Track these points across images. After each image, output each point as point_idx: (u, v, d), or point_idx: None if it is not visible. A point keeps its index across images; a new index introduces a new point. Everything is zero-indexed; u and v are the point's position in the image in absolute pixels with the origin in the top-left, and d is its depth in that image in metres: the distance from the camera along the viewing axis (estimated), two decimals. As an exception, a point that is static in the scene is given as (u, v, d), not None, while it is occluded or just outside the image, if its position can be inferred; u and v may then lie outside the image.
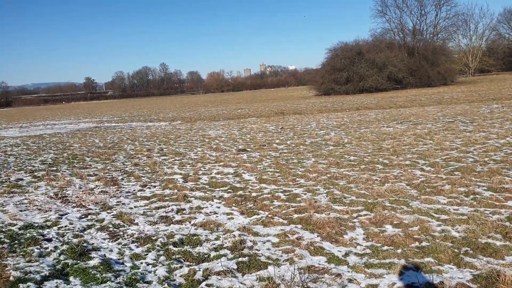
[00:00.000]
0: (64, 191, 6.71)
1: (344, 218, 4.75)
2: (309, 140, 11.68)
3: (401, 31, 50.92)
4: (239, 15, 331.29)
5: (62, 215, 5.33)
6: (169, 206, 5.74)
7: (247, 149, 10.85)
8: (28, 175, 8.23)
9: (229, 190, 6.52)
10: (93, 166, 9.52)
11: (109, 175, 8.16)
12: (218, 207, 5.65)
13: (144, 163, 9.63)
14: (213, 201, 5.97)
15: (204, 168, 8.56)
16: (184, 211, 5.52)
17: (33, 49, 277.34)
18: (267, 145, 11.34)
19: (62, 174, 8.22)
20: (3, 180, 7.42)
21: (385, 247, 3.80)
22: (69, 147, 13.82)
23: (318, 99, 38.64)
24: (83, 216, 5.31)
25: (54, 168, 9.02)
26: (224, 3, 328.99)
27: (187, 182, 7.35)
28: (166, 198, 6.19)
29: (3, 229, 4.79)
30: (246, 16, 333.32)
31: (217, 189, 6.66)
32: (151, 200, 6.12)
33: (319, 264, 3.57)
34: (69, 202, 5.88)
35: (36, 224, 4.92)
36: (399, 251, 3.72)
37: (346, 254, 3.75)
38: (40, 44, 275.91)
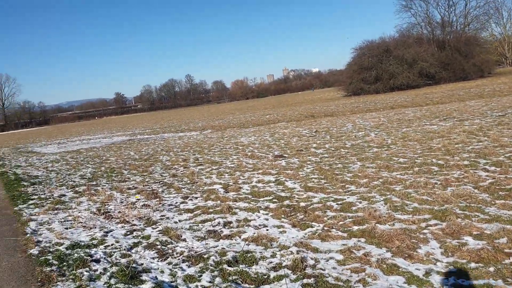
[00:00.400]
0: (106, 206, 6.58)
1: (412, 229, 4.26)
2: (349, 143, 11.14)
3: (429, 24, 49.09)
4: (259, 21, 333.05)
5: (107, 232, 5.15)
6: (214, 219, 5.45)
7: (284, 155, 10.46)
8: (69, 190, 8.23)
9: (274, 200, 6.16)
10: (131, 179, 9.45)
11: (149, 188, 8.01)
12: (267, 219, 5.30)
13: (182, 173, 9.45)
14: (259, 212, 5.62)
15: (243, 176, 8.26)
16: (231, 224, 5.20)
17: (66, 68, 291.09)
18: (304, 150, 10.92)
19: (102, 188, 8.15)
20: (47, 197, 7.43)
21: (473, 264, 3.29)
22: (105, 160, 13.97)
23: (347, 100, 37.72)
24: (128, 233, 5.11)
25: (94, 183, 9.00)
26: (243, 10, 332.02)
27: (228, 192, 7.06)
28: (210, 210, 5.91)
29: (51, 249, 4.65)
30: (267, 21, 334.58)
31: (261, 199, 6.32)
32: (195, 213, 5.85)
33: (399, 286, 3.12)
34: (112, 217, 5.73)
35: (83, 243, 4.75)
36: (491, 269, 3.20)
37: (427, 273, 3.28)
38: (72, 63, 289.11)
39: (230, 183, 7.73)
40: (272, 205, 5.89)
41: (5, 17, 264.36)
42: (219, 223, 5.23)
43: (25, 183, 9.24)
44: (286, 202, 5.98)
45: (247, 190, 7.04)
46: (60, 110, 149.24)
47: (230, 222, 5.27)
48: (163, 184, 8.37)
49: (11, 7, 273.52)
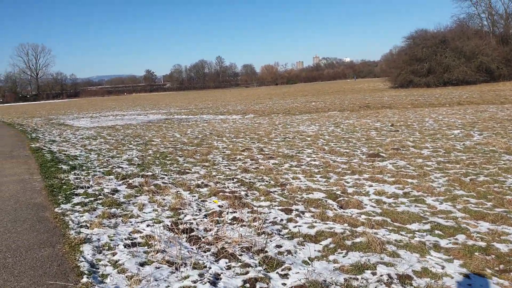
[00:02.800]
0: (181, 215, 4.66)
1: None
2: (457, 144, 8.83)
3: (490, 15, 44.75)
4: (292, 6, 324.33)
5: (213, 281, 3.13)
6: (369, 263, 3.33)
7: (380, 154, 8.28)
8: (121, 182, 6.38)
9: (437, 232, 4.03)
10: (192, 170, 7.54)
11: (224, 187, 6.06)
12: (452, 271, 3.21)
13: (254, 169, 7.46)
14: (430, 255, 3.54)
15: (347, 182, 6.17)
16: (411, 280, 3.12)
17: (98, 43, 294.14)
18: (401, 149, 8.70)
19: (163, 183, 6.26)
20: (96, 192, 5.57)
21: None
22: (149, 142, 12.19)
23: (396, 91, 34.72)
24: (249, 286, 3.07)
25: (150, 173, 7.13)
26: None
27: (344, 207, 5.00)
28: (346, 242, 3.83)
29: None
30: (300, 7, 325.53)
31: (409, 226, 4.23)
32: (323, 244, 3.82)
33: None
34: (202, 242, 3.77)
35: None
36: None
37: None
38: (105, 39, 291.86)
39: (335, 191, 5.67)
40: (444, 243, 3.77)
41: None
42: (381, 276, 3.14)
43: (64, 166, 7.49)
44: (462, 238, 3.86)
45: (372, 207, 4.95)
46: (90, 84, 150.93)
47: (407, 277, 3.15)
48: (239, 182, 6.40)
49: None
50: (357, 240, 3.85)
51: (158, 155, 9.47)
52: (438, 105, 20.63)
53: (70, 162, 8.21)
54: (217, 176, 6.94)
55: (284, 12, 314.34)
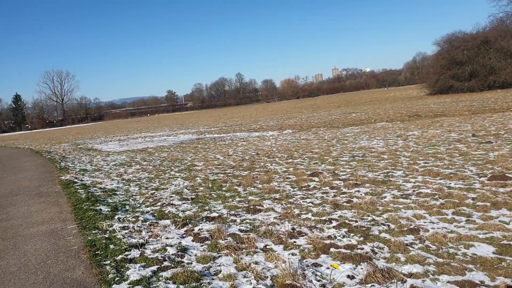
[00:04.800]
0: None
1: None
2: None
3: (530, 13, 41.76)
4: (308, 20, 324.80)
5: None
6: None
7: (508, 175, 6.30)
8: (183, 232, 4.69)
9: None
10: (264, 206, 5.79)
11: (328, 236, 4.27)
12: None
13: (347, 202, 5.64)
14: None
15: (505, 224, 4.26)
16: None
17: (120, 66, 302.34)
18: (525, 167, 6.69)
19: (240, 231, 4.53)
20: (158, 255, 3.80)
21: None
22: (192, 166, 10.60)
23: (438, 98, 32.28)
24: None
25: (214, 214, 5.42)
26: (291, 11, 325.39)
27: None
28: None
29: None
30: (317, 20, 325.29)
31: None
32: None
33: None
34: None
35: None
36: None
37: None
38: (126, 62, 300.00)
39: (502, 240, 3.78)
40: None
41: (71, 18, 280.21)
42: None
43: (103, 208, 5.89)
44: None
45: None
46: (113, 107, 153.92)
47: None
48: (343, 227, 4.58)
49: (73, 8, 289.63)
50: None
51: (210, 184, 7.81)
52: (502, 110, 18.29)
53: (109, 200, 6.63)
54: (304, 216, 5.15)
55: (301, 25, 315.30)
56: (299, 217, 5.16)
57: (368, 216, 4.94)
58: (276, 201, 6.10)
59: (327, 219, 4.97)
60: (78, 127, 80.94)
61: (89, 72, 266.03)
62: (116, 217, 5.25)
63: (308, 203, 5.83)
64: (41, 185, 8.61)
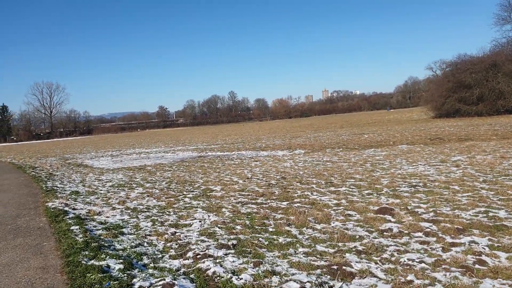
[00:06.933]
0: None
1: None
2: None
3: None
4: (301, 40, 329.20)
5: None
6: None
7: None
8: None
9: None
10: (354, 267, 3.91)
11: None
12: None
13: (479, 264, 3.81)
14: None
15: None
16: None
17: (110, 80, 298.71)
18: None
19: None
20: None
21: None
22: (208, 192, 8.67)
23: (447, 121, 31.12)
24: None
25: (280, 279, 3.53)
26: (277, 32, 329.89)
27: None
28: None
29: None
30: (309, 41, 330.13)
31: None
32: None
33: None
34: None
35: None
36: None
37: None
38: (117, 76, 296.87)
39: None
40: None
41: (62, 31, 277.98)
42: None
43: (112, 263, 3.91)
44: None
45: None
46: (103, 121, 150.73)
47: None
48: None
49: (63, 21, 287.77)
50: None
51: (246, 221, 5.89)
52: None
53: (116, 245, 4.65)
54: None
55: (293, 46, 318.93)
56: (389, 280, 3.31)
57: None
58: (363, 256, 4.23)
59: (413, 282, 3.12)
60: (66, 141, 77.86)
61: (80, 85, 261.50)
62: (137, 285, 3.29)
63: (417, 262, 3.97)
64: (20, 215, 6.54)
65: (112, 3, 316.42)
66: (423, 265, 3.86)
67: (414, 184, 8.07)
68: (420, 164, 10.81)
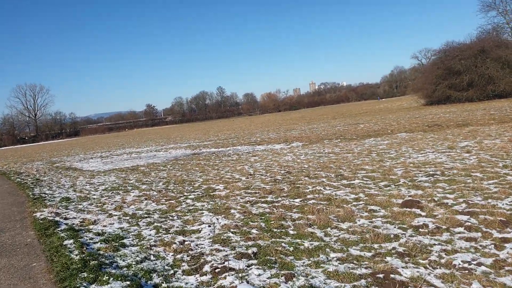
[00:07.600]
0: None
1: None
2: None
3: (518, 24, 41.93)
4: (283, 36, 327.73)
5: None
6: None
7: None
8: None
9: None
10: (403, 274, 3.36)
11: None
12: None
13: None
14: None
15: None
16: None
17: (96, 81, 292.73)
18: None
19: None
20: None
21: None
22: (210, 191, 8.05)
23: (440, 108, 30.98)
24: None
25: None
26: (261, 24, 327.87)
27: None
28: None
29: None
30: (291, 34, 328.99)
31: None
32: None
33: None
34: None
35: None
36: None
37: None
38: (103, 75, 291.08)
39: None
40: None
41: (44, 30, 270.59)
42: None
43: (117, 286, 3.27)
44: None
45: None
46: (90, 122, 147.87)
47: None
48: None
49: (46, 20, 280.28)
50: None
51: (261, 223, 5.30)
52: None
53: (119, 261, 4.00)
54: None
55: (279, 40, 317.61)
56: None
57: None
58: (407, 260, 3.67)
59: None
60: (52, 143, 75.86)
61: (65, 86, 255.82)
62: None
63: (474, 264, 3.43)
64: (4, 229, 5.81)
65: (96, 0, 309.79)
66: (483, 268, 3.33)
67: (431, 173, 7.58)
68: (429, 152, 10.36)
